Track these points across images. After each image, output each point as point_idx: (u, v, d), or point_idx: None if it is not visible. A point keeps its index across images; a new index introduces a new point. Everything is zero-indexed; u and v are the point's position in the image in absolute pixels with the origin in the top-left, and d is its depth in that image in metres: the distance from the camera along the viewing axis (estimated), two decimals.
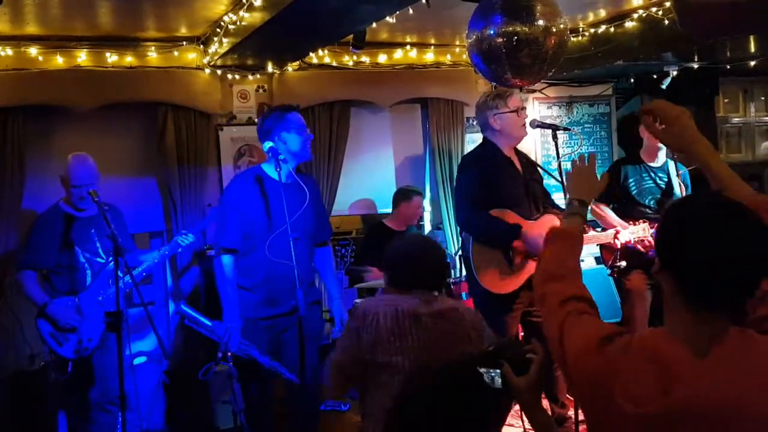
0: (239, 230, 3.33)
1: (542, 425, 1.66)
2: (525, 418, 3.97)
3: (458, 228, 4.99)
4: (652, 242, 3.96)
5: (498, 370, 1.59)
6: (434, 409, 1.50)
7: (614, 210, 4.32)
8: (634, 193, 4.29)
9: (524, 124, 3.69)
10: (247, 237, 3.35)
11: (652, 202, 4.27)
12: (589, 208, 4.19)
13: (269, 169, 3.38)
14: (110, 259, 3.69)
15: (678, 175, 4.28)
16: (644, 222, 3.99)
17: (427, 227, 5.79)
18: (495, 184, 3.58)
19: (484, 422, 1.54)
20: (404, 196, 5.09)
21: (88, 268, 3.79)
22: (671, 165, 4.31)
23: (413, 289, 2.44)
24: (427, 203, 5.82)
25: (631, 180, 4.30)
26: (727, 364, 1.33)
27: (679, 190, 4.26)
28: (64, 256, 3.74)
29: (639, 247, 4.01)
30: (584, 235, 3.74)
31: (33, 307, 3.75)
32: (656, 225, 1.46)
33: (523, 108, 3.71)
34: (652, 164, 4.33)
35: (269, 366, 3.24)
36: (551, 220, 3.66)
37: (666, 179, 4.30)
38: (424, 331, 2.35)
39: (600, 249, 4.54)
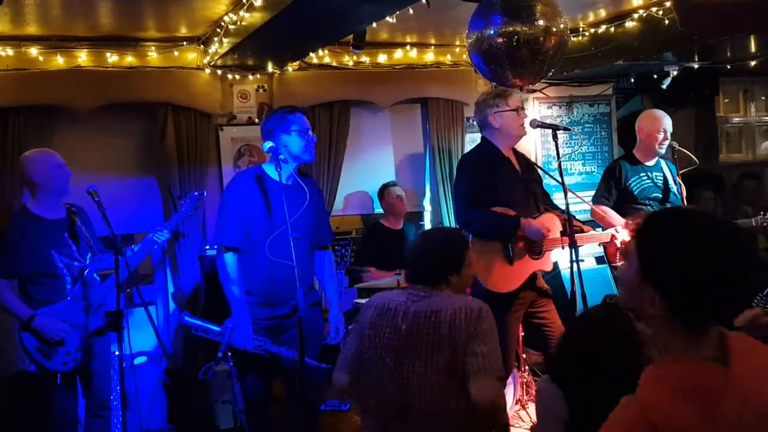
0: (240, 228, 3.30)
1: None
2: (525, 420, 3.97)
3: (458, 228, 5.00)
4: None
5: None
6: (594, 354, 1.65)
7: (612, 209, 4.30)
8: (636, 192, 4.28)
9: (523, 124, 3.69)
10: (247, 236, 3.33)
11: (652, 202, 4.26)
12: (590, 208, 4.12)
13: (270, 169, 3.37)
14: (88, 262, 3.57)
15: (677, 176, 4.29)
16: None
17: (428, 227, 5.79)
18: (493, 185, 3.58)
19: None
20: (380, 193, 5.29)
21: (67, 274, 3.53)
22: (663, 164, 4.32)
23: (412, 283, 2.49)
24: (427, 203, 5.83)
25: (632, 179, 4.29)
26: (752, 365, 1.31)
27: (677, 189, 4.25)
28: (42, 262, 3.46)
29: None
30: (583, 235, 3.75)
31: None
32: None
33: (523, 108, 3.71)
34: (647, 164, 4.32)
35: (287, 356, 3.20)
36: (551, 219, 3.66)
37: (662, 178, 4.30)
38: (397, 330, 2.37)
39: (604, 248, 4.52)
